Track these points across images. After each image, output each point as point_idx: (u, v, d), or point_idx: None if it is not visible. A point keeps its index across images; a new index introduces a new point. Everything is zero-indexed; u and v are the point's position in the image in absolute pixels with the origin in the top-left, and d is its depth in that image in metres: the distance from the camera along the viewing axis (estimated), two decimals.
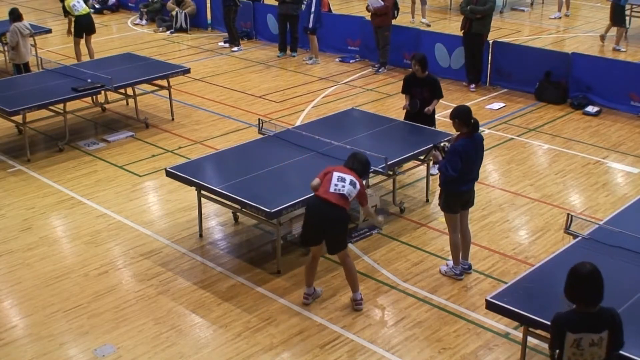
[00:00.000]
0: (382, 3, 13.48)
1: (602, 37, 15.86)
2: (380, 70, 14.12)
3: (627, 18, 16.67)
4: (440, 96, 9.25)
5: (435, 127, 9.41)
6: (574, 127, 11.35)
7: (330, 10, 16.88)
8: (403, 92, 9.38)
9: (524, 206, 8.81)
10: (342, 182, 6.52)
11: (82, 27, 14.03)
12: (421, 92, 9.17)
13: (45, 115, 10.61)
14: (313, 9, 14.42)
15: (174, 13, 17.51)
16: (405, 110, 9.36)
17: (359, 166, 6.75)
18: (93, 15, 14.86)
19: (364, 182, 6.92)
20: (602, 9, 19.12)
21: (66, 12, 14.10)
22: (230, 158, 8.50)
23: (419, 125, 9.14)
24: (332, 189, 6.49)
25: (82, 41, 14.17)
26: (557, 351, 4.64)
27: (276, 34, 15.81)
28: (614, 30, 15.73)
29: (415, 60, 9.12)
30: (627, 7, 16.48)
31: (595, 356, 4.53)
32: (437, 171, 9.13)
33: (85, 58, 14.44)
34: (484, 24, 12.75)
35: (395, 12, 14.08)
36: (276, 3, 15.45)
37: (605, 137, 10.93)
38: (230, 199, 7.37)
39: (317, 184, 6.66)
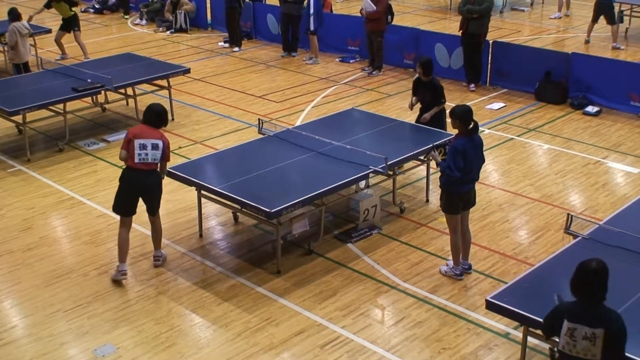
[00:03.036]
0: (375, 8, 13.44)
1: (587, 42, 15.83)
2: (373, 72, 14.08)
3: (627, 18, 16.69)
4: (439, 103, 9.14)
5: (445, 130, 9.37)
6: (574, 127, 11.35)
7: (331, 10, 16.87)
8: (413, 93, 9.46)
9: (524, 206, 8.81)
10: (144, 149, 6.83)
11: (76, 22, 14.80)
12: (424, 95, 9.25)
13: (45, 115, 10.61)
14: (312, 11, 14.39)
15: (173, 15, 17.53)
16: (416, 113, 9.44)
17: (154, 117, 7.10)
18: (93, 15, 15.17)
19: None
20: None
21: (73, 4, 14.78)
22: (230, 158, 8.50)
23: (419, 125, 9.15)
24: (137, 160, 6.87)
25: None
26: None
27: (276, 34, 15.79)
28: (601, 30, 15.69)
29: (418, 64, 9.26)
30: (627, 7, 16.47)
31: (589, 354, 4.55)
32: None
33: (81, 58, 14.55)
34: (481, 24, 12.73)
35: (390, 17, 14.04)
36: (277, 3, 15.44)
37: (605, 137, 10.92)
38: (230, 199, 7.37)
39: (125, 155, 6.96)
